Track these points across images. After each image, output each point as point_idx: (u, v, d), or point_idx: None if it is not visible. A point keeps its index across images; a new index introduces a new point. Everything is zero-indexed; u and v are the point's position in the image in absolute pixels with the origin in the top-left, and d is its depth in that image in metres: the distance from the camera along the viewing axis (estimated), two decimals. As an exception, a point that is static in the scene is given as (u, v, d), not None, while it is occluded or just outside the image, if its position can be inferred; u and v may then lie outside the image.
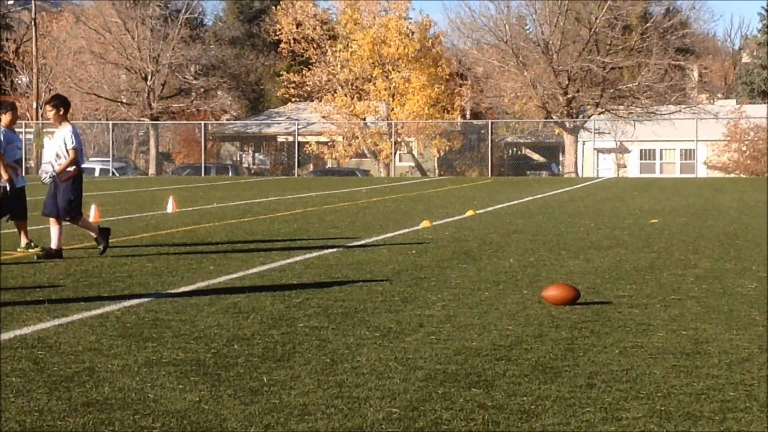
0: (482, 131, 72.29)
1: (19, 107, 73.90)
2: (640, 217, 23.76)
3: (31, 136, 71.13)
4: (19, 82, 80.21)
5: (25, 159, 70.09)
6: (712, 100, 76.76)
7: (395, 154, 69.90)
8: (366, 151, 70.82)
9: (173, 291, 11.58)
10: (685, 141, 68.52)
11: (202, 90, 75.99)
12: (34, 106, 71.37)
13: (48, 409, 6.48)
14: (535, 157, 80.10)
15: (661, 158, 73.02)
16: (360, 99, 70.61)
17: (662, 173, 70.49)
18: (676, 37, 67.13)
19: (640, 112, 66.60)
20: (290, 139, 74.79)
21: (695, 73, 73.02)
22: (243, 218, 23.14)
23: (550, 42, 65.07)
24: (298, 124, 72.17)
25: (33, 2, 74.58)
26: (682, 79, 68.99)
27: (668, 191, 37.87)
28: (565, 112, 65.51)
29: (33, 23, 72.83)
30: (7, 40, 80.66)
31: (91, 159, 72.15)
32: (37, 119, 71.00)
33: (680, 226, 20.90)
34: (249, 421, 6.21)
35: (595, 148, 72.86)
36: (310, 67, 72.09)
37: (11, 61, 79.08)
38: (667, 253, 15.67)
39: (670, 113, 65.30)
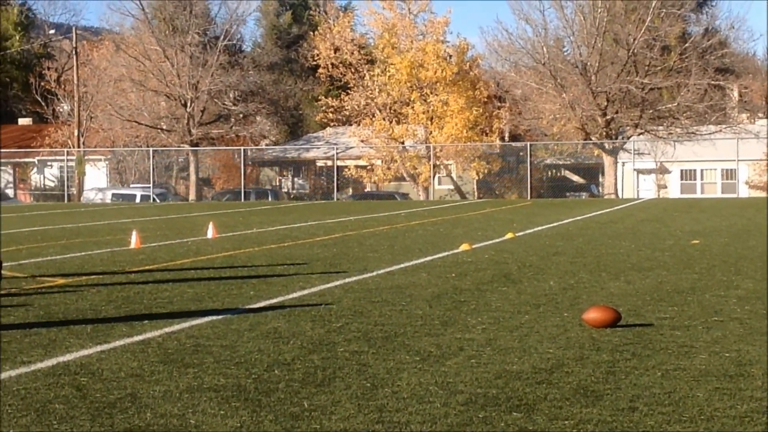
0: (521, 153, 72.13)
1: (60, 135, 74.61)
2: (681, 238, 23.62)
3: (73, 164, 71.71)
4: (61, 110, 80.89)
5: (68, 186, 70.68)
6: (752, 120, 76.21)
7: (434, 177, 69.87)
8: (405, 175, 70.83)
9: (214, 316, 11.62)
10: (725, 161, 68.11)
11: (241, 116, 76.33)
12: (76, 134, 71.91)
13: (91, 435, 6.52)
14: (575, 178, 79.83)
15: (701, 178, 72.59)
16: (398, 123, 70.66)
17: (703, 193, 70.05)
18: (716, 57, 66.78)
19: (680, 133, 66.27)
20: (329, 163, 74.94)
21: (735, 93, 72.55)
22: (282, 243, 23.19)
23: (588, 63, 64.91)
24: (337, 149, 72.31)
25: (74, 31, 75.29)
26: (722, 99, 68.58)
27: (709, 212, 37.62)
28: (604, 133, 65.27)
29: (74, 52, 73.50)
30: (48, 68, 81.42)
31: (132, 185, 72.63)
32: (79, 147, 71.52)
33: (722, 247, 20.75)
34: (290, 447, 6.22)
35: (634, 169, 72.55)
36: (349, 91, 72.27)
37: (53, 89, 79.81)
38: (709, 275, 15.56)
39: (710, 133, 64.94)
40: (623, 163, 70.81)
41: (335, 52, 71.91)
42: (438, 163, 69.87)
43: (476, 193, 73.16)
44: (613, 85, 63.90)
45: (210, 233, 25.48)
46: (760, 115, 79.78)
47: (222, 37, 73.56)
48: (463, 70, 69.95)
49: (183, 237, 25.78)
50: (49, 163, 79.59)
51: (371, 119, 70.88)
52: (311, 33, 77.05)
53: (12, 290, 14.23)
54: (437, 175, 71.99)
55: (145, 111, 72.66)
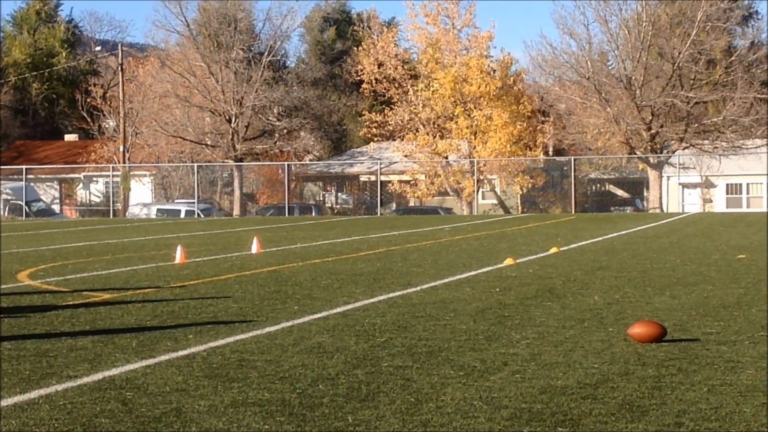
0: (565, 168, 71.91)
1: (106, 151, 75.21)
2: (726, 252, 23.44)
3: (118, 179, 72.25)
4: (107, 126, 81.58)
5: (113, 201, 71.20)
6: (799, 133, 75.61)
7: (478, 191, 69.79)
8: (448, 189, 70.80)
9: (258, 331, 11.65)
10: (772, 175, 67.57)
11: (285, 131, 76.62)
12: (121, 149, 72.49)
13: (136, 449, 6.56)
14: (619, 192, 79.46)
15: (747, 192, 72.05)
16: (442, 137, 70.67)
17: (749, 207, 69.49)
18: (762, 71, 66.30)
19: (725, 147, 65.82)
20: (373, 178, 75.05)
21: (781, 106, 72.00)
22: (326, 258, 23.24)
23: (633, 77, 64.64)
24: (381, 163, 72.41)
25: (120, 48, 75.94)
26: (768, 113, 68.07)
27: (755, 226, 37.31)
28: (649, 147, 64.94)
29: (120, 69, 74.12)
30: (95, 85, 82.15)
31: (176, 200, 73.03)
32: (124, 162, 72.09)
33: (768, 262, 20.57)
34: (334, 461, 6.22)
35: (680, 183, 72.12)
36: (392, 106, 72.36)
37: (99, 105, 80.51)
38: (755, 289, 15.43)
39: (756, 147, 64.45)
40: (668, 177, 70.41)
41: (379, 67, 72.06)
42: (482, 177, 69.79)
43: (520, 208, 73.00)
44: (658, 99, 63.58)
45: (254, 248, 25.57)
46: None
47: (266, 52, 73.91)
48: (506, 85, 69.88)
49: (227, 252, 25.89)
50: (94, 179, 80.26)
51: (415, 134, 70.93)
52: (355, 48, 77.27)
53: (58, 305, 14.35)
54: (481, 190, 71.90)
55: (190, 127, 73.11)
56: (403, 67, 72.41)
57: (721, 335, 10.96)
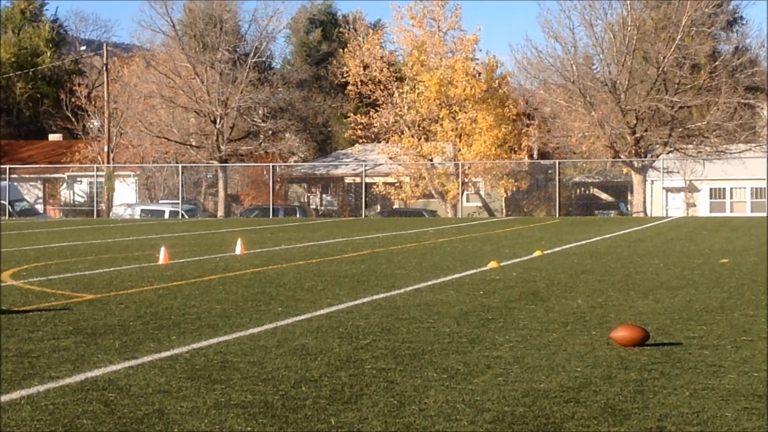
0: (550, 171, 72.03)
1: (90, 151, 75.03)
2: (710, 256, 23.51)
3: (102, 180, 72.07)
4: (91, 126, 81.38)
5: (97, 202, 71.03)
6: (782, 138, 75.90)
7: (462, 194, 69.84)
8: (433, 192, 70.85)
9: (241, 333, 11.64)
10: (755, 179, 67.80)
11: (270, 132, 76.57)
12: (106, 149, 72.32)
13: (118, 450, 6.54)
14: (603, 196, 79.62)
15: (731, 197, 72.28)
16: (427, 140, 70.73)
17: (732, 212, 69.72)
18: (746, 76, 66.51)
19: (709, 151, 66.01)
20: (357, 180, 75.07)
21: (765, 111, 72.21)
22: (311, 260, 23.23)
23: (618, 81, 64.78)
24: (366, 166, 72.42)
25: (105, 48, 75.78)
26: (752, 118, 68.28)
27: (739, 230, 37.43)
28: (634, 151, 65.09)
29: (105, 68, 73.96)
30: (79, 85, 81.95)
31: (161, 201, 72.89)
32: (109, 163, 71.92)
33: (751, 266, 20.64)
34: (317, 464, 6.22)
35: (664, 187, 72.31)
36: (377, 108, 72.39)
37: (83, 105, 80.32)
38: (738, 294, 15.48)
39: (740, 152, 64.66)
40: (652, 181, 70.58)
41: (364, 70, 72.08)
42: (466, 180, 69.85)
43: (504, 211, 73.08)
44: (643, 103, 63.73)
45: (238, 249, 25.54)
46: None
47: (252, 54, 73.85)
48: (492, 88, 69.98)
49: (211, 253, 25.86)
50: (78, 179, 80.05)
51: (400, 136, 70.97)
52: (341, 50, 77.29)
53: (41, 306, 14.31)
54: (465, 193, 71.95)
55: (175, 127, 73.00)
56: (388, 69, 72.44)
57: (704, 339, 10.99)
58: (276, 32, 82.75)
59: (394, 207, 74.59)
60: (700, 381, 8.69)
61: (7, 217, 64.92)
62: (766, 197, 64.91)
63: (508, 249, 27.01)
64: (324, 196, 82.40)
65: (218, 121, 71.70)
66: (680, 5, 64.31)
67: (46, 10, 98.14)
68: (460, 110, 68.96)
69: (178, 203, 67.61)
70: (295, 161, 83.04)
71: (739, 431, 6.94)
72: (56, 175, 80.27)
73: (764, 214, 61.37)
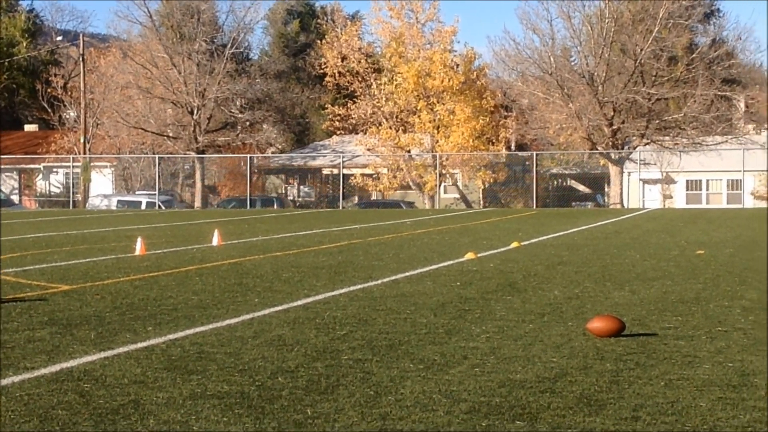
0: (527, 163, 72.17)
1: (66, 142, 74.69)
2: (686, 248, 23.60)
3: (78, 170, 71.80)
4: (67, 116, 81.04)
5: (73, 192, 70.76)
6: (758, 131, 76.20)
7: (440, 186, 69.90)
8: (411, 183, 70.87)
9: (218, 323, 11.62)
10: (731, 171, 68.10)
11: (247, 123, 76.43)
12: (82, 140, 72.03)
13: (93, 441, 6.52)
14: (581, 188, 79.81)
15: (707, 189, 72.57)
16: (405, 131, 70.73)
17: (709, 204, 70.01)
18: (723, 68, 66.75)
19: (686, 143, 66.26)
20: (335, 171, 75.03)
21: (742, 104, 72.52)
22: (288, 251, 23.20)
23: (595, 73, 64.93)
24: (343, 157, 72.36)
25: (81, 38, 75.44)
26: (728, 110, 68.54)
27: (715, 222, 37.59)
28: (611, 143, 65.26)
29: (81, 59, 73.64)
30: (55, 75, 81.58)
31: (137, 192, 72.68)
32: (85, 153, 71.63)
33: (727, 258, 20.73)
34: (292, 454, 6.21)
35: (640, 179, 72.53)
36: (355, 100, 72.34)
37: (59, 96, 79.97)
38: (714, 285, 15.55)
39: (716, 144, 64.92)
40: (629, 173, 70.80)
41: (342, 61, 72.01)
42: (444, 171, 69.91)
43: (482, 202, 73.17)
44: (620, 95, 63.90)
45: (215, 241, 25.49)
46: (766, 125, 79.70)
47: (229, 44, 73.67)
48: (470, 80, 70.02)
49: (188, 244, 25.80)
50: (54, 170, 79.71)
51: (377, 128, 70.95)
52: (318, 41, 77.16)
53: (17, 296, 14.25)
54: (443, 184, 72.01)
55: (152, 118, 72.77)
56: (366, 60, 72.38)
57: (679, 330, 11.04)
58: (254, 23, 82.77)
59: (372, 198, 74.59)
60: (675, 371, 8.73)
61: (-18, 208, 64.59)
62: (742, 189, 65.19)
63: (485, 240, 27.04)
64: (301, 187, 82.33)
65: (195, 112, 71.50)
66: (657, -3, 64.48)
67: (22, 0, 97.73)
68: (438, 102, 68.98)
69: (154, 194, 67.40)
70: (273, 152, 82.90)
71: (713, 421, 6.98)
72: (32, 166, 79.89)
73: (740, 206, 61.65)
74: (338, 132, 75.10)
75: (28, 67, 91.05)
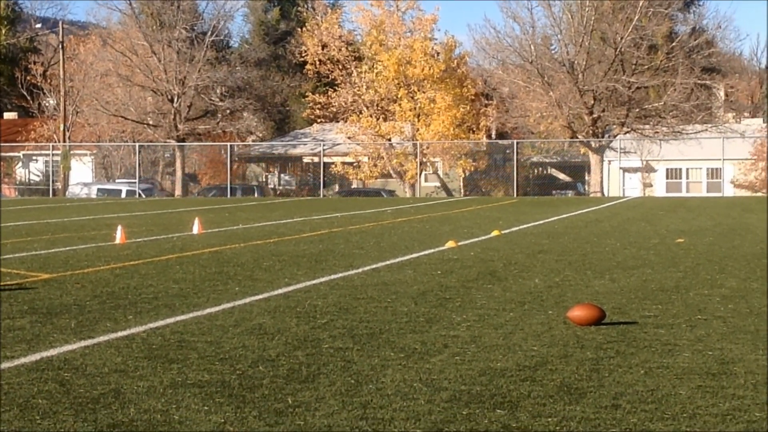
0: (508, 151, 72.23)
1: (46, 130, 74.36)
2: (666, 236, 23.68)
3: (58, 158, 71.53)
4: (47, 104, 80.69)
5: (53, 181, 70.49)
6: (738, 119, 76.48)
7: (420, 174, 69.91)
8: (391, 172, 70.86)
9: (199, 312, 11.61)
10: (711, 160, 68.32)
11: (228, 111, 76.26)
12: (62, 128, 71.73)
13: (74, 431, 6.51)
14: (561, 176, 79.95)
15: (687, 177, 72.80)
16: (385, 119, 70.69)
17: (689, 192, 70.24)
18: (702, 57, 66.92)
19: (666, 132, 66.42)
20: (316, 159, 74.95)
21: (721, 93, 72.77)
22: (268, 239, 23.18)
23: (576, 62, 65.00)
24: (324, 145, 72.29)
25: (61, 26, 75.10)
26: (708, 99, 68.75)
27: (695, 211, 37.72)
28: (591, 131, 65.38)
29: (61, 46, 73.32)
30: (35, 63, 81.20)
31: (117, 180, 72.46)
32: (65, 141, 71.34)
33: (707, 246, 20.81)
34: (273, 443, 6.21)
35: (621, 168, 72.70)
36: (336, 88, 72.25)
37: (39, 83, 79.59)
38: (694, 273, 15.61)
39: (696, 132, 65.09)
40: (609, 161, 70.95)
41: (323, 49, 71.86)
42: (424, 160, 69.93)
43: (462, 191, 73.22)
44: (600, 84, 63.99)
45: (196, 229, 25.45)
46: (746, 114, 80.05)
47: (209, 32, 73.46)
48: (450, 68, 70.01)
49: (168, 233, 25.75)
50: (34, 158, 79.39)
51: (358, 116, 70.89)
52: (299, 29, 76.96)
53: (-4, 285, 14.20)
54: (424, 173, 72.02)
55: (132, 106, 72.53)
56: (347, 48, 72.26)
57: (659, 318, 11.08)
58: (234, 11, 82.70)
59: (353, 187, 74.56)
60: (655, 360, 8.76)
61: (-39, 196, 64.29)
62: (722, 178, 65.42)
63: (466, 229, 27.08)
64: (282, 175, 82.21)
65: (175, 99, 71.30)
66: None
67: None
68: (419, 90, 68.96)
69: (135, 182, 67.26)
70: (253, 140, 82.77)
71: (693, 409, 7.01)
72: (11, 154, 79.54)
73: (720, 194, 61.88)
74: (319, 120, 75.00)
75: (7, 55, 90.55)
